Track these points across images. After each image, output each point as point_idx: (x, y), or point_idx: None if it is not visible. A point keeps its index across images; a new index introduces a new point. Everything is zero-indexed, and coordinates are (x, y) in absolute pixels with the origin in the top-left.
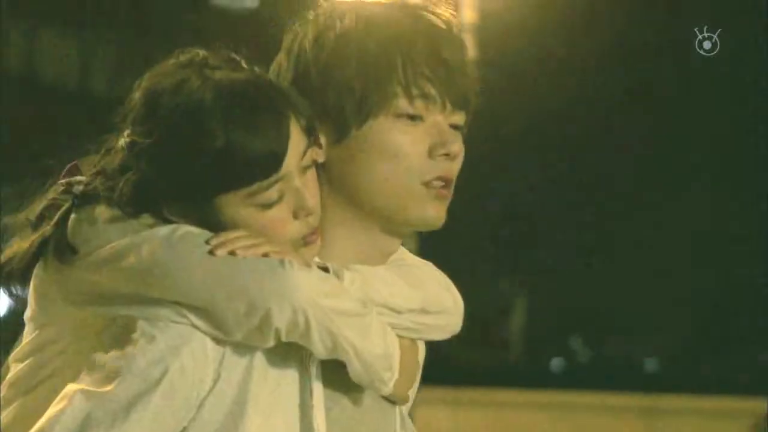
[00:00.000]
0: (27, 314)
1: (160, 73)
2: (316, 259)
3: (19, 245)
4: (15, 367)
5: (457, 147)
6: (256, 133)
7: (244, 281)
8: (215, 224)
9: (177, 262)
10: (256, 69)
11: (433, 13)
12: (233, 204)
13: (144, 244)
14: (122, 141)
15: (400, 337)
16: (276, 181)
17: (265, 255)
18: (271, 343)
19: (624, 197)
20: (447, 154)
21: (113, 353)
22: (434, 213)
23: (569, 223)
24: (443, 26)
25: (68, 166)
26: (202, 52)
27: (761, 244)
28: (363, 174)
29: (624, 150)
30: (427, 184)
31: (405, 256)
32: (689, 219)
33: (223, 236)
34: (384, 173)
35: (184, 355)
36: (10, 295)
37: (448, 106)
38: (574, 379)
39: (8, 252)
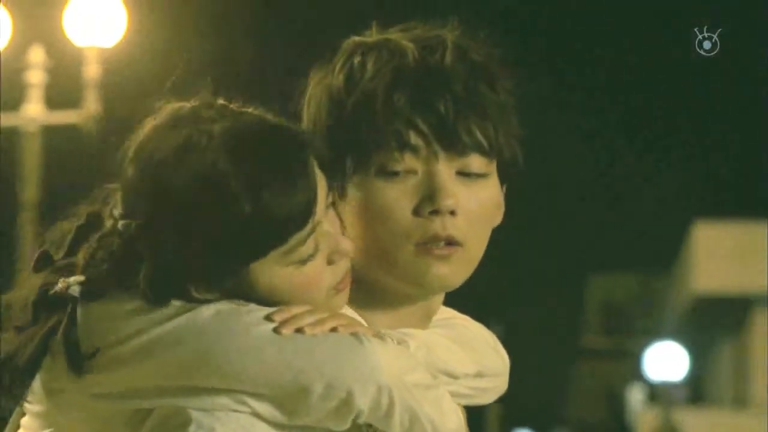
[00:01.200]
0: (33, 408)
1: (148, 139)
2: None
3: (13, 341)
4: None
5: (452, 201)
6: (284, 188)
7: (318, 362)
8: (252, 293)
9: (235, 347)
10: (249, 109)
11: (427, 47)
12: (268, 267)
13: (187, 333)
14: (119, 223)
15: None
16: (311, 231)
17: (333, 330)
18: (347, 426)
19: None
20: (436, 211)
21: None
22: (437, 274)
23: None
24: (437, 62)
25: (37, 254)
26: (185, 105)
27: None
28: (356, 237)
29: None
30: (420, 246)
31: (448, 314)
32: None
33: (286, 312)
34: (372, 236)
35: None
36: (11, 398)
37: (442, 153)
38: None
39: (3, 353)
